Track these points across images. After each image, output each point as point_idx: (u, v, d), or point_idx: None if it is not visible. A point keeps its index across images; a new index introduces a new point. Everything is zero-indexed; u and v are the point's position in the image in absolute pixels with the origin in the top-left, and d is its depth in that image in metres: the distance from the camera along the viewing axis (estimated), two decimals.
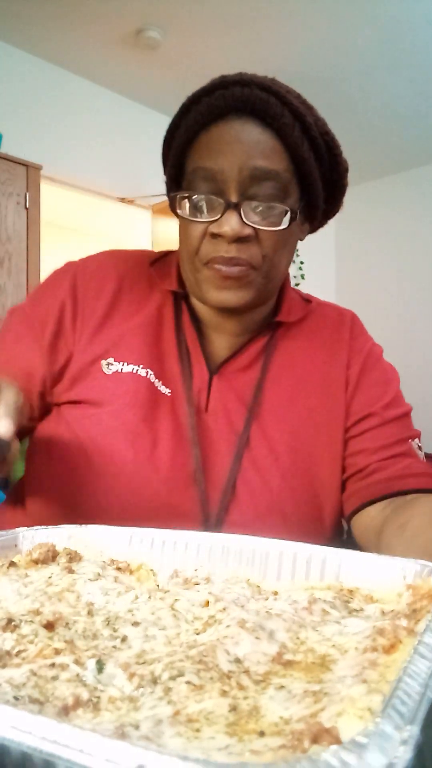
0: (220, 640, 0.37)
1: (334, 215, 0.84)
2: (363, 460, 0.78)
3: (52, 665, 0.33)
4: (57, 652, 0.34)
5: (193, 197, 0.71)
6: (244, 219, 0.69)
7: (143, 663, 0.34)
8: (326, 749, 0.23)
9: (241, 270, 0.71)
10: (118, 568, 0.51)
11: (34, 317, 0.82)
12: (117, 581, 0.48)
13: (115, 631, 0.39)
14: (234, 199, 0.69)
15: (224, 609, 0.41)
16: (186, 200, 0.72)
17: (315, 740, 0.26)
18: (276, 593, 0.47)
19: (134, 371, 0.77)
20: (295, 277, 4.73)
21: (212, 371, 0.80)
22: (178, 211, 0.72)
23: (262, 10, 2.88)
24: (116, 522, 0.58)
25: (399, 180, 4.86)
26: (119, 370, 0.78)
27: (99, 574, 0.48)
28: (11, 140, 2.95)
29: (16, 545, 0.54)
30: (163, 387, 0.78)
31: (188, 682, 0.32)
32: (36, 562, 0.51)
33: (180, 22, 3.00)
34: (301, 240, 0.81)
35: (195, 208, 0.71)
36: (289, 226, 0.71)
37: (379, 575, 0.47)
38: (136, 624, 0.39)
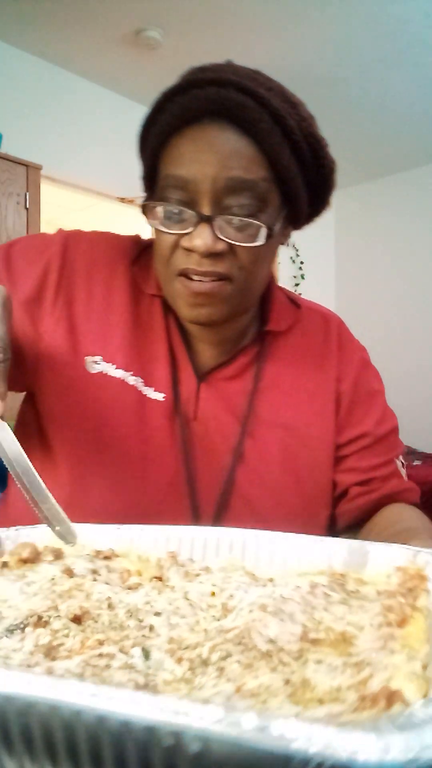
0: (250, 624, 0.39)
1: (320, 214, 0.78)
2: (352, 478, 0.80)
3: (100, 655, 0.34)
4: (100, 642, 0.35)
5: (166, 207, 0.66)
6: (218, 233, 0.64)
7: (185, 648, 0.36)
8: (418, 705, 0.27)
9: (213, 285, 0.67)
10: (106, 557, 0.51)
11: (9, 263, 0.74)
12: (110, 571, 0.48)
13: (140, 621, 0.40)
14: (207, 211, 0.64)
15: (231, 596, 0.44)
16: (158, 209, 0.66)
17: (390, 701, 0.29)
18: (272, 579, 0.49)
19: (123, 379, 0.73)
20: (295, 277, 4.74)
21: (199, 378, 0.76)
22: (149, 220, 0.67)
23: (262, 10, 2.88)
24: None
25: (399, 180, 4.86)
26: (105, 372, 0.73)
27: (93, 570, 0.48)
28: (11, 140, 2.95)
29: None
30: (154, 393, 0.74)
31: (238, 662, 0.34)
32: (24, 561, 0.51)
33: (180, 22, 3.00)
34: (283, 244, 0.77)
35: (167, 218, 0.66)
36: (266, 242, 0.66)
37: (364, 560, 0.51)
38: (158, 614, 0.41)
